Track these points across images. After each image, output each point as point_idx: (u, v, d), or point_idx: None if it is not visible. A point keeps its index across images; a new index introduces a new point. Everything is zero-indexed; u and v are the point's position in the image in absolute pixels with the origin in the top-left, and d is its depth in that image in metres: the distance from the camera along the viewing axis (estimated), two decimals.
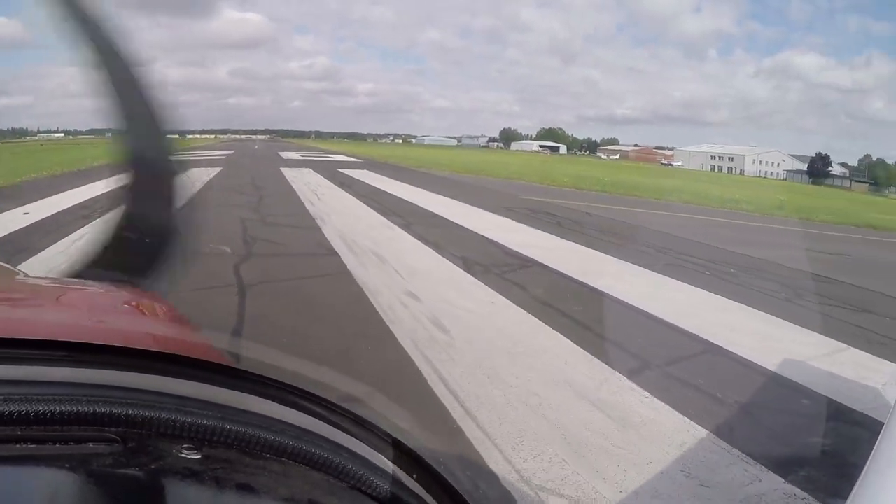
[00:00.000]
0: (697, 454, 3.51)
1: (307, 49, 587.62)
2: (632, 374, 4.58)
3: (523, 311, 6.12)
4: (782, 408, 4.33)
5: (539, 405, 3.96)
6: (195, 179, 18.50)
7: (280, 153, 45.44)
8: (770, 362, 5.10)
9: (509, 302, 6.43)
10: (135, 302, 1.20)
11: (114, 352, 0.67)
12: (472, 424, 3.65)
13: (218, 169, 23.91)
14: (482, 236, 10.71)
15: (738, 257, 10.87)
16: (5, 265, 1.57)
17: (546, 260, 8.81)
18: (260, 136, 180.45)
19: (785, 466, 3.41)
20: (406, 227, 11.19)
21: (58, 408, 0.55)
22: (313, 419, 0.69)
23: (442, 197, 16.95)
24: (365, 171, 26.08)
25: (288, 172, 23.46)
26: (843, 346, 5.80)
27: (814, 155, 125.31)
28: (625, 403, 4.09)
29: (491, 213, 14.12)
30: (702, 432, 3.76)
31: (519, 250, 9.46)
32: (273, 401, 0.68)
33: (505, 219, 13.47)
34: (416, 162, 37.38)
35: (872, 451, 1.04)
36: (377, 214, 12.64)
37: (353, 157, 42.98)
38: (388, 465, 0.71)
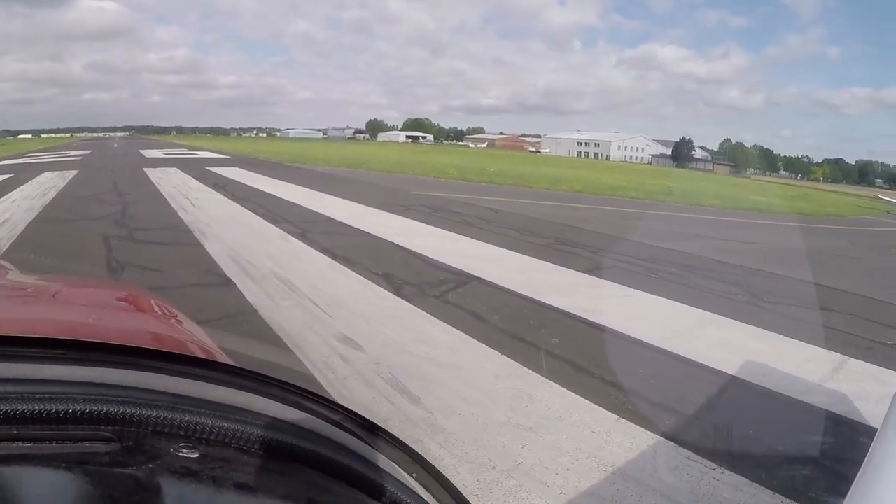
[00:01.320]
0: None
1: (169, 40, 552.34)
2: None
3: (503, 355, 4.96)
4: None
5: None
6: (46, 186, 15.96)
7: (142, 151, 41.39)
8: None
9: (475, 341, 5.28)
10: (131, 300, 1.26)
11: (110, 349, 0.67)
12: None
13: (73, 172, 21.09)
14: (393, 244, 9.55)
15: (672, 254, 10.47)
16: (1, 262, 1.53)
17: (481, 272, 7.85)
18: (119, 134, 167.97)
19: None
20: (303, 236, 9.77)
21: (54, 406, 0.55)
22: (312, 417, 0.68)
23: (330, 196, 15.51)
24: (236, 169, 23.92)
25: (153, 174, 20.92)
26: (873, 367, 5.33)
27: (677, 140, 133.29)
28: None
29: (391, 214, 12.95)
30: None
31: (444, 261, 8.43)
32: (271, 399, 0.67)
33: (409, 220, 12.35)
34: (288, 157, 35.24)
35: (868, 453, 1.12)
36: (265, 222, 11.08)
37: (221, 153, 39.86)
38: (388, 464, 0.70)
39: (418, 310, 6.16)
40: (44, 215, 11.18)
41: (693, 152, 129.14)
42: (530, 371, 4.60)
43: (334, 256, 8.32)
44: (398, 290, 6.82)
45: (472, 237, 10.67)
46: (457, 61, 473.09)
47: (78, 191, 15.45)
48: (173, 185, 17.22)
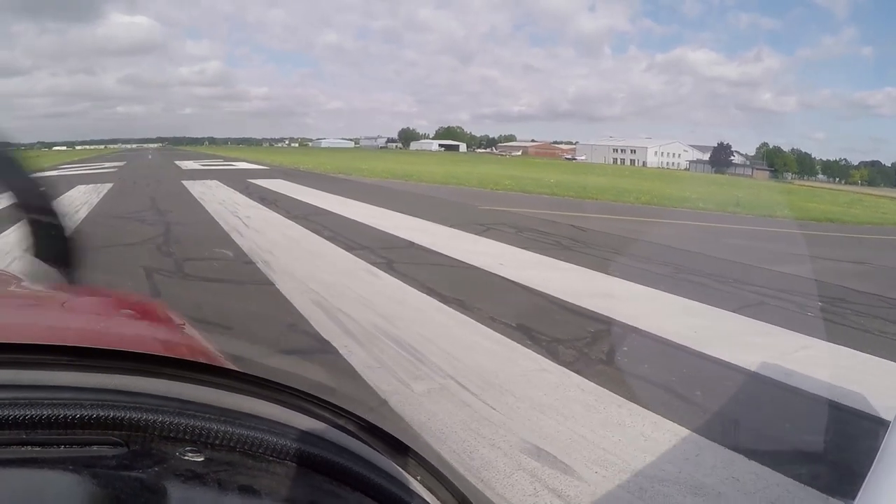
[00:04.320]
0: None
1: (199, 54, 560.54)
2: None
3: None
4: None
5: None
6: (79, 202, 14.37)
7: (177, 162, 39.95)
8: None
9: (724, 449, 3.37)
10: (138, 307, 1.27)
11: (117, 356, 0.68)
12: None
13: (108, 186, 19.54)
14: (502, 278, 7.64)
15: (803, 283, 8.80)
16: (8, 271, 1.54)
17: (628, 317, 6.05)
18: (152, 145, 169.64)
19: None
20: (391, 268, 7.88)
21: (62, 412, 0.56)
22: (317, 422, 0.69)
23: (396, 214, 13.63)
24: (281, 182, 22.22)
25: (193, 187, 19.29)
26: None
27: (715, 145, 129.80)
28: None
29: (475, 236, 11.03)
30: None
31: (574, 301, 6.61)
32: (276, 404, 0.68)
33: (499, 243, 10.42)
34: (330, 168, 33.49)
35: (879, 450, 1.06)
36: (338, 248, 9.19)
37: (259, 164, 38.33)
38: (393, 468, 0.70)
39: (603, 390, 4.24)
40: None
41: (732, 158, 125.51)
42: None
43: (444, 299, 6.40)
44: (552, 353, 4.93)
45: (581, 265, 8.74)
46: (487, 69, 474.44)
47: (113, 208, 13.80)
48: (218, 200, 15.51)
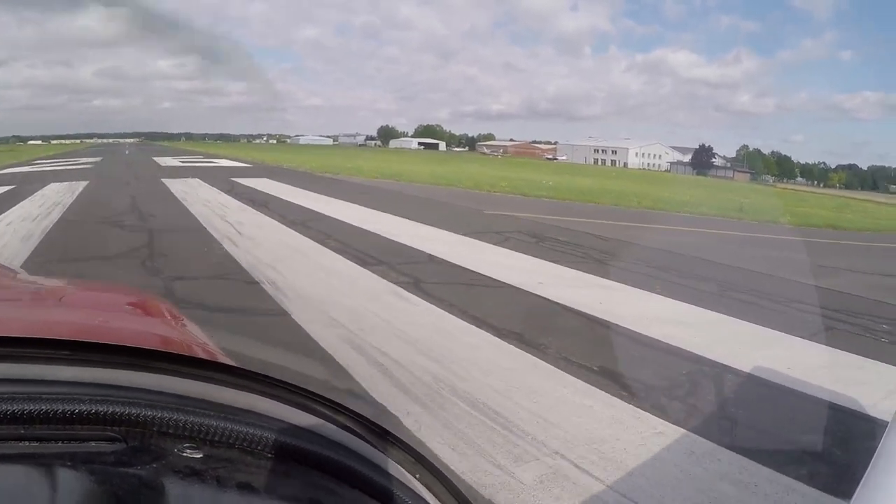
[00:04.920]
0: None
1: (179, 47, 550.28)
2: None
3: None
4: None
5: None
6: (52, 202, 13.11)
7: (155, 159, 38.18)
8: None
9: None
10: (137, 302, 1.28)
11: (116, 351, 0.68)
12: None
13: (84, 184, 18.14)
14: (549, 301, 6.66)
15: (853, 301, 8.10)
16: (8, 266, 1.53)
17: (717, 354, 5.20)
18: (129, 140, 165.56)
19: None
20: (419, 289, 6.78)
21: (61, 407, 0.56)
22: (315, 418, 0.69)
23: (401, 219, 12.50)
24: (267, 182, 20.95)
25: (174, 186, 17.97)
26: None
27: (696, 147, 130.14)
28: None
29: (495, 247, 10.00)
30: None
31: (642, 331, 5.73)
32: (275, 400, 0.68)
33: (524, 255, 9.39)
34: (315, 166, 32.06)
35: (877, 451, 1.05)
36: (351, 263, 8.05)
37: (240, 161, 36.81)
38: (391, 466, 0.70)
39: (756, 465, 3.25)
40: (45, 249, 8.21)
41: (713, 160, 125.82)
42: None
43: (498, 332, 5.30)
44: (659, 408, 4.02)
45: (625, 283, 7.82)
46: (467, 67, 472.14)
47: (89, 209, 12.49)
48: (203, 201, 14.24)
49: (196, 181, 20.01)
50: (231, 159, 38.96)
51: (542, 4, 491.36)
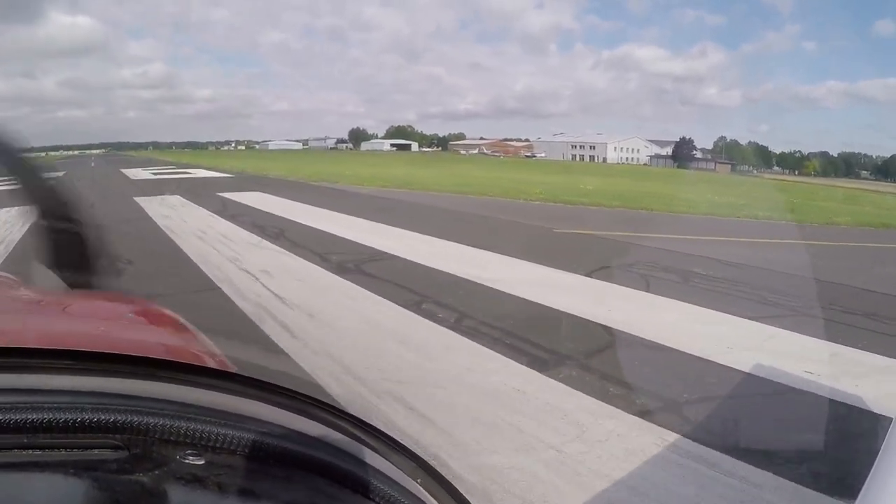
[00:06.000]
0: None
1: (142, 55, 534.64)
2: None
3: None
4: None
5: None
6: None
7: (124, 171, 33.47)
8: None
9: None
10: (138, 311, 1.23)
11: (116, 360, 0.67)
12: None
13: None
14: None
15: None
16: (7, 275, 1.53)
17: None
18: (95, 151, 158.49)
19: None
20: (653, 415, 3.53)
21: (62, 416, 0.56)
22: (317, 424, 0.68)
23: (480, 252, 9.29)
24: (262, 196, 17.52)
25: (151, 206, 14.43)
26: None
27: (676, 140, 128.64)
28: None
29: (638, 293, 7.13)
30: None
31: None
32: (276, 406, 0.67)
33: (701, 309, 6.48)
34: (307, 174, 28.46)
35: (880, 451, 1.02)
36: (512, 362, 4.73)
37: (218, 171, 32.88)
38: (393, 471, 0.69)
39: None
40: None
41: (694, 152, 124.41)
42: None
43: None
44: None
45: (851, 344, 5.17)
46: (433, 67, 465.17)
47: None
48: (195, 231, 10.73)
49: (177, 199, 16.40)
50: (207, 169, 34.92)
51: (507, 3, 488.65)
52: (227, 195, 17.57)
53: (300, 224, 11.88)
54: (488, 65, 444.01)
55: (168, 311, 1.22)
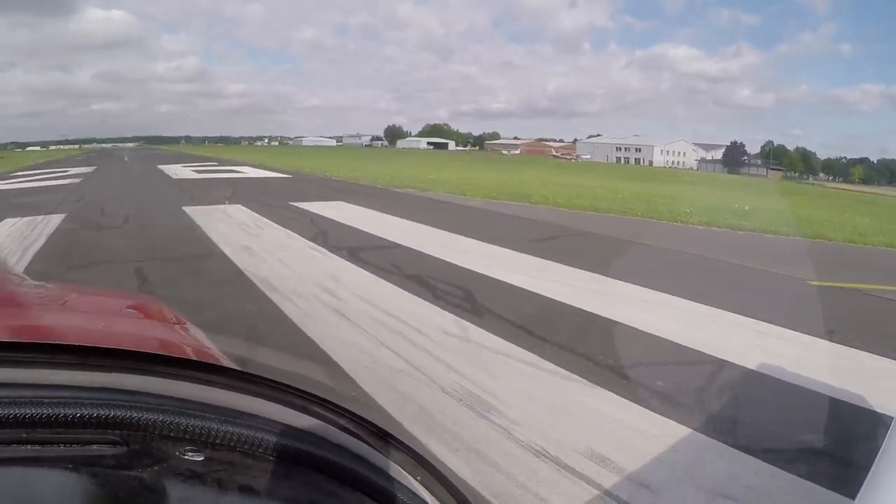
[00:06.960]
0: None
1: (176, 49, 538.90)
2: None
3: None
4: None
5: None
6: None
7: (161, 168, 29.80)
8: None
9: None
10: (139, 307, 1.25)
11: (116, 355, 0.67)
12: None
13: (56, 221, 11.03)
14: None
15: None
16: (10, 271, 1.71)
17: None
18: (128, 144, 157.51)
19: None
20: None
21: (62, 411, 0.55)
22: (317, 421, 0.68)
23: (713, 311, 5.65)
24: (351, 208, 13.86)
25: (212, 225, 10.72)
26: None
27: (722, 144, 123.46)
28: None
29: None
30: None
31: None
32: (276, 403, 0.67)
33: None
34: (375, 177, 23.91)
35: (881, 449, 1.01)
36: None
37: (269, 169, 28.93)
38: (392, 468, 0.69)
39: None
40: None
41: (745, 157, 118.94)
42: None
43: None
44: None
45: None
46: (466, 66, 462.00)
47: None
48: (316, 290, 6.87)
49: (243, 212, 12.66)
50: (254, 166, 31.21)
51: (540, 2, 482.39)
52: (305, 206, 13.84)
53: (434, 258, 8.11)
54: (521, 64, 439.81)
55: (168, 308, 1.25)
